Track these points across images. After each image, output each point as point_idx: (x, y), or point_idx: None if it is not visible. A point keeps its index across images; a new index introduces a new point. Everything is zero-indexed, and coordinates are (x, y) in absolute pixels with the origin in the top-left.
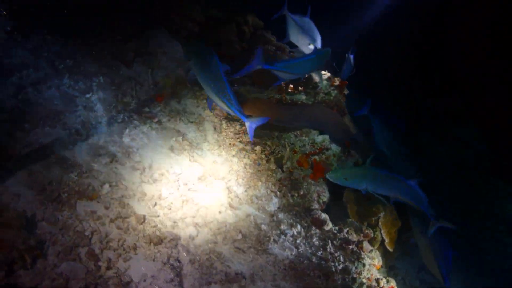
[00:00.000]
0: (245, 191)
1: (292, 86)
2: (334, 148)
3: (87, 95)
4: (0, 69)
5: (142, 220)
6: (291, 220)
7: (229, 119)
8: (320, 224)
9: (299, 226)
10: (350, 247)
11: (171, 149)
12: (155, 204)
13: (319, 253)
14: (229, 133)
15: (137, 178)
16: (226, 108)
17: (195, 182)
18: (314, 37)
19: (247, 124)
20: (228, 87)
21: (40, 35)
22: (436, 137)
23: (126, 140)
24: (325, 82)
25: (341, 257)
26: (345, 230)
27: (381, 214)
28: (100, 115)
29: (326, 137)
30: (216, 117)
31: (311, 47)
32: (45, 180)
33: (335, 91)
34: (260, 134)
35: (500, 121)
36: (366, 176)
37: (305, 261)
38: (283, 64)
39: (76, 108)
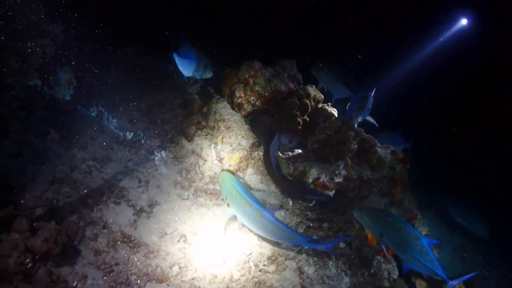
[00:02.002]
0: (316, 270)
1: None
2: None
3: (150, 170)
4: (62, 142)
5: None
6: None
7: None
8: None
9: None
10: None
11: (239, 228)
12: (227, 287)
13: None
14: (296, 210)
15: (206, 259)
16: None
17: (265, 262)
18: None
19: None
20: None
21: (100, 106)
22: None
23: (192, 218)
24: (389, 156)
25: None
26: None
27: None
28: (165, 191)
29: (392, 211)
30: (282, 193)
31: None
32: (112, 260)
33: (400, 165)
34: (325, 210)
35: None
36: (238, 203)
37: None
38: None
39: (139, 184)
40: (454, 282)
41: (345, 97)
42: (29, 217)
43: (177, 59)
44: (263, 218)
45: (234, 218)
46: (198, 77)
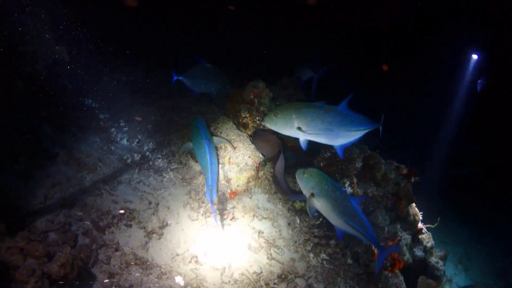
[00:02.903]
0: (325, 287)
1: None
2: (406, 237)
3: (159, 191)
4: (71, 164)
5: None
6: None
7: (301, 213)
8: None
9: None
10: None
11: (249, 247)
12: None
13: None
14: (303, 227)
15: (218, 279)
16: None
17: (276, 280)
18: None
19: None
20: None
21: (108, 128)
22: None
23: (203, 238)
24: (393, 172)
25: None
26: None
27: None
28: (175, 213)
29: (397, 226)
30: (289, 212)
31: None
32: (125, 282)
33: (404, 180)
34: (331, 226)
35: None
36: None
37: None
38: None
39: (149, 206)
40: (384, 251)
41: (309, 77)
42: (43, 242)
43: (185, 80)
44: (203, 147)
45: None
46: (210, 93)
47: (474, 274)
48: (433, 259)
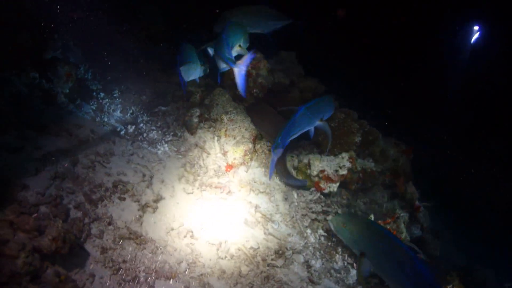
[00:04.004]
0: (323, 264)
1: None
2: (404, 215)
3: (153, 164)
4: (63, 135)
5: None
6: None
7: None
8: None
9: None
10: None
11: (246, 222)
12: (236, 283)
13: None
14: (301, 203)
15: (214, 254)
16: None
17: (273, 256)
18: None
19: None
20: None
21: (100, 99)
22: None
23: (198, 213)
24: (392, 148)
25: None
26: None
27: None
28: (169, 186)
29: (395, 203)
30: (286, 187)
31: None
32: (119, 257)
33: (403, 157)
34: (329, 202)
35: None
36: None
37: None
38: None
39: (143, 178)
40: (242, 67)
41: (280, 27)
42: (34, 215)
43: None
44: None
45: None
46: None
47: (469, 254)
48: (430, 238)
